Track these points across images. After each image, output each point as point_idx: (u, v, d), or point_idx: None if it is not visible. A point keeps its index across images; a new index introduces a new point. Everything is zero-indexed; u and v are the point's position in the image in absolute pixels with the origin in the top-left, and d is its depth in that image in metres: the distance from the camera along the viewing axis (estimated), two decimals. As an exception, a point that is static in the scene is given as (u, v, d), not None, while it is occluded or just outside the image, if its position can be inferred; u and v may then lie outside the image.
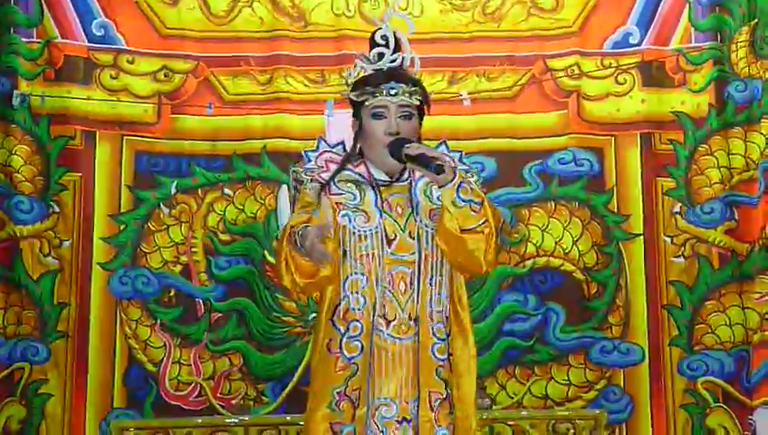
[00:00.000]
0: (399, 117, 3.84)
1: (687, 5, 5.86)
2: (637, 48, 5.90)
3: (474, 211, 3.71)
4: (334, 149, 3.99)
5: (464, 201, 3.70)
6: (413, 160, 3.73)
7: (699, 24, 5.87)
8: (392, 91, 3.85)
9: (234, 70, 5.90)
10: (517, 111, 5.93)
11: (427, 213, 3.85)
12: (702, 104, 5.85)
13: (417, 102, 3.88)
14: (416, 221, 3.84)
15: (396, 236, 3.83)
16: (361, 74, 3.94)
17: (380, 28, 3.97)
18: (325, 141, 4.01)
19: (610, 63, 5.89)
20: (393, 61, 3.94)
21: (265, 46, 5.93)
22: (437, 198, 3.83)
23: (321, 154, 3.97)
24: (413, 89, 3.87)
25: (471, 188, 3.72)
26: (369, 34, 4.01)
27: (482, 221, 3.72)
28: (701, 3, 5.87)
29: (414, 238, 3.83)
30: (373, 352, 3.78)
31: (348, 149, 3.98)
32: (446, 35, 5.97)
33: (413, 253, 3.82)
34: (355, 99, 3.89)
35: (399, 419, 3.77)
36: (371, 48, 3.96)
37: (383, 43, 3.94)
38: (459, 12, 5.99)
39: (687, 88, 5.86)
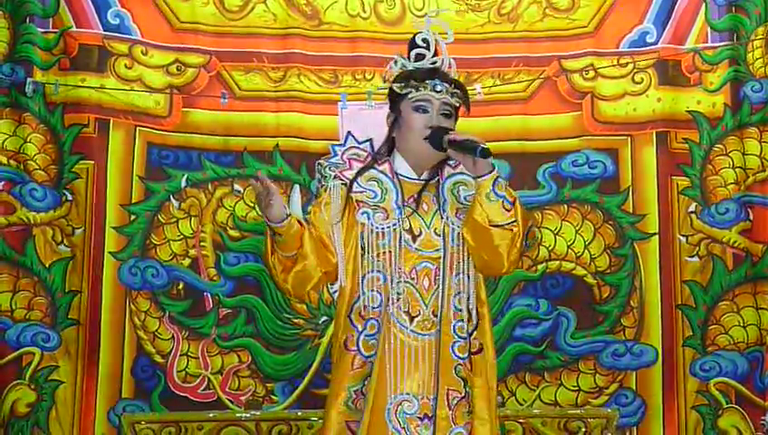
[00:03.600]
0: (441, 114, 3.86)
1: (704, 5, 5.86)
2: (653, 47, 5.89)
3: (505, 209, 3.74)
4: (362, 145, 4.00)
5: (498, 196, 3.73)
6: (457, 146, 3.75)
7: (715, 23, 5.86)
8: (437, 88, 3.88)
9: (246, 65, 5.88)
10: (531, 113, 5.92)
11: (453, 211, 3.87)
12: (717, 104, 5.83)
13: (457, 104, 3.91)
14: (442, 218, 3.86)
15: (421, 232, 3.84)
16: (404, 69, 3.97)
17: (421, 32, 4.01)
18: (354, 137, 4.01)
19: (627, 62, 5.87)
20: (433, 63, 3.98)
21: (279, 43, 5.92)
22: (465, 198, 3.90)
23: (347, 150, 3.99)
24: (454, 90, 3.91)
25: (505, 186, 3.76)
26: (411, 37, 4.05)
27: (511, 220, 3.75)
28: (717, 3, 5.86)
29: (439, 235, 3.84)
30: (394, 348, 3.76)
31: (374, 146, 4.00)
32: (462, 36, 5.90)
33: (438, 249, 3.83)
34: (398, 90, 3.90)
35: (421, 415, 3.75)
36: (411, 49, 4.00)
37: (424, 45, 3.98)
38: (475, 12, 5.99)
39: (703, 88, 5.85)
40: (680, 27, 5.89)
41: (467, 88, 5.63)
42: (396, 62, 4.01)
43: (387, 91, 4.04)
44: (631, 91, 5.88)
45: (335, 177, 3.90)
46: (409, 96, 3.88)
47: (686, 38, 5.89)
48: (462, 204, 3.89)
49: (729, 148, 5.82)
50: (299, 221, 3.76)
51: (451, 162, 3.95)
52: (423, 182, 3.92)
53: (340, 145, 4.00)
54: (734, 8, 5.85)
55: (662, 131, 5.87)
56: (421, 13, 5.91)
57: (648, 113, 5.87)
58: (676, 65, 5.87)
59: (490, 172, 3.74)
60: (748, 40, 5.79)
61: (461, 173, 3.95)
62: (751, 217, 5.78)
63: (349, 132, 4.04)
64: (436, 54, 3.99)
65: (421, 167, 3.92)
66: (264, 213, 3.69)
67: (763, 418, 5.68)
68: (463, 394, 3.80)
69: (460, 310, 3.83)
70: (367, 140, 4.00)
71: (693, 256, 5.80)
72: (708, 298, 5.77)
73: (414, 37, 4.01)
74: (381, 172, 3.92)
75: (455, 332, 3.81)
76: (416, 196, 3.89)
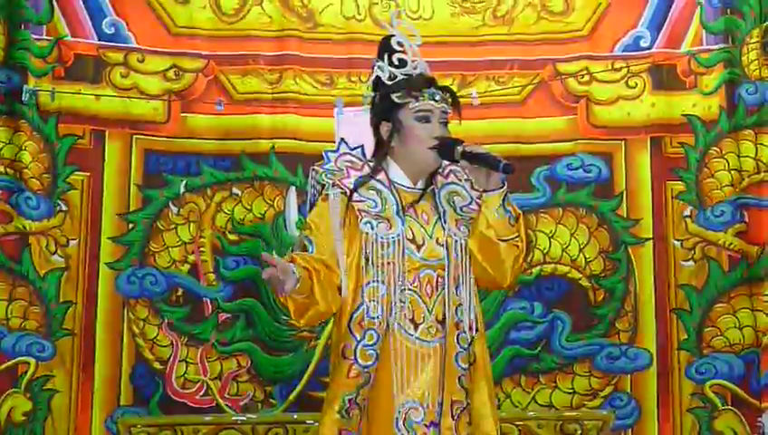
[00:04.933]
0: (440, 122, 3.87)
1: (699, 8, 5.85)
2: (647, 51, 5.89)
3: (510, 224, 3.80)
4: (354, 151, 3.97)
5: (506, 212, 3.79)
6: (473, 158, 3.75)
7: (710, 26, 5.86)
8: (436, 97, 3.87)
9: (243, 68, 5.90)
10: (526, 116, 5.94)
11: (454, 222, 3.88)
12: (713, 107, 5.84)
13: (450, 111, 3.91)
14: (443, 229, 3.86)
15: (424, 241, 3.83)
16: (396, 77, 3.93)
17: (393, 35, 3.98)
18: (346, 143, 3.98)
19: (621, 67, 5.87)
20: (415, 67, 3.96)
21: (275, 45, 5.93)
22: (461, 208, 3.91)
23: (341, 156, 3.94)
24: (448, 97, 3.91)
25: (511, 202, 3.81)
26: (380, 38, 4.01)
27: (515, 235, 3.82)
28: (712, 5, 5.86)
29: (442, 245, 3.84)
30: (400, 355, 3.77)
31: (366, 152, 3.98)
32: (457, 39, 5.97)
33: (441, 259, 3.83)
34: (398, 100, 3.88)
35: (428, 423, 3.76)
36: (384, 51, 3.97)
37: (400, 49, 3.96)
38: (470, 15, 5.99)
39: (699, 91, 5.85)
40: (675, 31, 5.89)
41: (463, 92, 5.70)
42: (381, 68, 3.95)
43: (373, 97, 4.02)
44: (625, 95, 5.89)
45: (334, 184, 3.86)
46: (410, 106, 3.86)
47: (681, 41, 5.89)
48: (460, 214, 3.90)
49: (725, 150, 5.81)
50: (305, 267, 3.68)
51: (441, 171, 3.96)
52: (420, 191, 3.92)
53: (333, 151, 3.96)
54: (728, 10, 5.85)
55: (656, 136, 5.88)
56: (416, 15, 5.92)
57: (642, 118, 5.88)
58: (672, 69, 5.88)
59: (500, 188, 3.78)
60: (743, 42, 5.78)
61: (453, 183, 3.97)
62: (746, 220, 5.78)
63: (342, 139, 4.00)
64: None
65: (418, 176, 3.91)
66: (280, 294, 3.63)
67: (759, 419, 5.69)
68: (465, 405, 3.82)
69: (462, 321, 3.84)
70: (358, 147, 3.99)
71: (688, 260, 5.81)
72: (704, 301, 5.78)
73: (389, 40, 3.98)
74: (378, 181, 3.90)
75: (458, 342, 3.83)
76: (415, 205, 3.90)
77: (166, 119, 5.84)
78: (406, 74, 3.93)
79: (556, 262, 5.85)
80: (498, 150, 5.45)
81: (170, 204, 5.80)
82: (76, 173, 5.73)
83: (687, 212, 5.82)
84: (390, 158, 3.92)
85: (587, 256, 5.85)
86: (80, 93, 5.74)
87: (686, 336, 5.77)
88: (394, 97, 3.89)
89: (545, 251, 5.86)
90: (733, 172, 5.80)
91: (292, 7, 5.96)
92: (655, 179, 5.85)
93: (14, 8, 5.72)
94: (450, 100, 3.91)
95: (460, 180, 3.97)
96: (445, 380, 3.78)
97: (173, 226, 5.81)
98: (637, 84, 5.88)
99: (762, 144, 5.76)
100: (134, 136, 5.81)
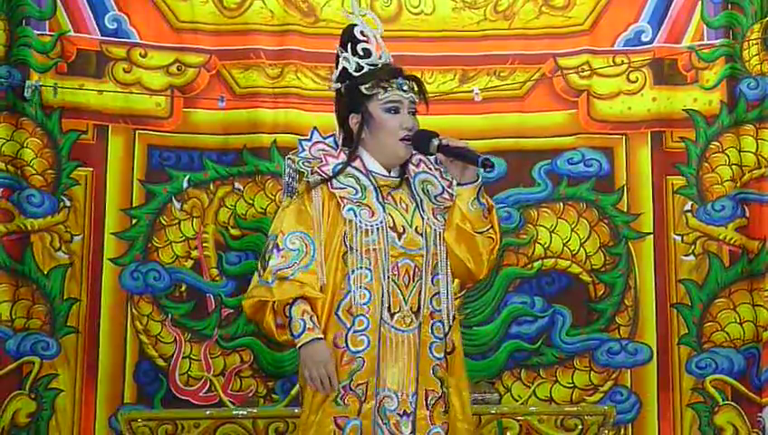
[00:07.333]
0: (409, 113, 3.89)
1: (700, 3, 5.85)
2: (649, 46, 5.89)
3: (484, 217, 3.84)
4: (326, 140, 3.98)
5: (480, 204, 3.81)
6: (450, 152, 3.77)
7: (711, 21, 5.85)
8: (404, 87, 3.90)
9: (245, 63, 5.91)
10: (527, 111, 5.94)
11: (430, 211, 3.91)
12: (714, 102, 5.83)
13: (418, 100, 3.94)
14: (422, 218, 3.88)
15: (405, 230, 3.85)
16: (362, 68, 3.93)
17: (356, 24, 3.99)
18: (318, 131, 3.99)
19: (622, 61, 5.87)
20: (380, 57, 3.97)
21: (276, 40, 5.94)
22: (435, 197, 3.94)
23: (314, 144, 3.95)
24: (415, 87, 3.94)
25: (484, 194, 3.83)
26: (347, 28, 4.00)
27: (488, 227, 3.86)
28: (713, 0, 5.85)
29: (420, 235, 3.86)
30: (377, 343, 3.79)
31: (337, 140, 3.99)
32: (458, 33, 5.98)
33: (420, 248, 3.85)
34: (366, 92, 3.89)
35: (401, 412, 3.78)
36: (347, 41, 3.96)
37: (364, 38, 3.96)
38: (471, 10, 5.99)
39: (699, 85, 5.84)
40: (676, 25, 5.88)
41: (464, 87, 5.71)
42: (347, 59, 3.93)
43: (337, 89, 4.02)
44: (626, 89, 5.89)
45: (313, 172, 3.87)
46: (379, 97, 3.88)
47: (682, 36, 5.88)
48: (434, 203, 3.92)
49: (725, 145, 5.81)
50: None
51: (411, 159, 3.96)
52: (397, 179, 3.94)
53: (306, 140, 3.96)
54: (729, 5, 5.84)
55: (657, 131, 5.88)
56: (417, 10, 5.94)
57: (642, 113, 5.88)
58: (673, 64, 5.87)
59: (474, 181, 3.80)
60: (744, 37, 5.78)
61: (424, 172, 3.98)
62: (747, 214, 5.78)
63: (315, 127, 4.01)
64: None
65: (390, 165, 3.93)
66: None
67: (759, 414, 5.70)
68: (440, 394, 3.84)
69: (438, 311, 3.86)
70: (330, 135, 4.00)
71: (688, 255, 5.81)
72: (704, 295, 5.78)
73: (351, 30, 3.98)
74: (355, 168, 3.91)
75: (432, 332, 3.85)
76: (392, 192, 3.91)
77: (169, 114, 5.86)
78: (372, 65, 3.94)
79: (557, 256, 5.86)
80: (499, 145, 5.52)
81: (173, 199, 5.82)
82: (80, 169, 5.75)
83: (688, 207, 5.82)
84: (362, 147, 3.94)
85: (587, 251, 5.85)
86: (82, 89, 5.74)
87: (686, 331, 5.78)
88: (363, 88, 3.90)
89: (546, 246, 5.87)
90: (733, 167, 5.80)
91: (294, 2, 5.96)
92: (655, 174, 5.85)
93: (16, 4, 5.72)
94: (417, 89, 3.93)
95: (430, 169, 3.99)
96: (419, 370, 3.80)
97: (176, 221, 5.82)
98: (638, 79, 5.89)
99: (762, 139, 5.77)
100: (137, 131, 5.82)
